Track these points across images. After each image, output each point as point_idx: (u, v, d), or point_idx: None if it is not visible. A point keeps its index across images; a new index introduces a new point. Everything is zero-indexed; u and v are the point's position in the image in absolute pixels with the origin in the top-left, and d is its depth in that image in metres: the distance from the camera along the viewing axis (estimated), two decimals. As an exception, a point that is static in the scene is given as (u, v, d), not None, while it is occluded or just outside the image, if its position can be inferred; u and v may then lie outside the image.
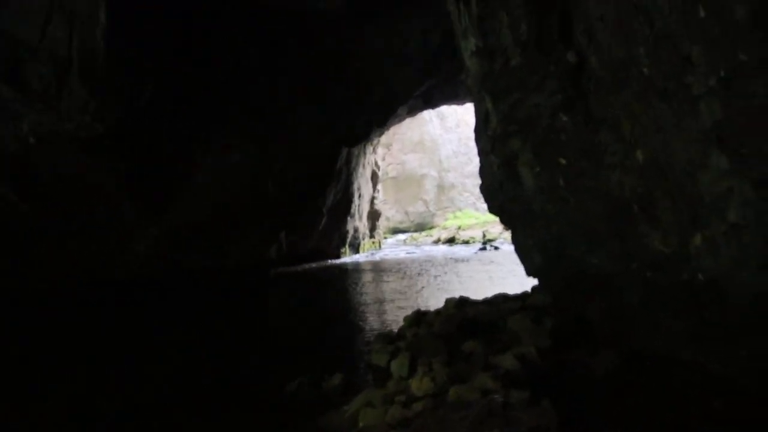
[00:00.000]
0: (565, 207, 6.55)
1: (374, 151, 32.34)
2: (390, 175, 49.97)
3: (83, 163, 13.19)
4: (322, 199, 23.74)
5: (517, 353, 6.44)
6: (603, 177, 5.78)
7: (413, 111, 27.62)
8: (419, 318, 9.22)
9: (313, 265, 24.53)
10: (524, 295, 9.88)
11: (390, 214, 48.18)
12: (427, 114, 46.55)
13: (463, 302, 9.82)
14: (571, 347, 6.85)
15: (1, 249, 13.31)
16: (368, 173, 31.14)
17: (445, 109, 48.28)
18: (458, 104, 29.98)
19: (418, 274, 19.43)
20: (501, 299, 9.91)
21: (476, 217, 45.48)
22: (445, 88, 23.64)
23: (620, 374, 6.07)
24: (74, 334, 11.74)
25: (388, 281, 17.88)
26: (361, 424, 5.60)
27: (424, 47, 18.61)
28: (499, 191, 7.95)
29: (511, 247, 9.03)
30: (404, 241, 41.38)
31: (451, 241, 37.12)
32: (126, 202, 14.54)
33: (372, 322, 11.31)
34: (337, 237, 27.24)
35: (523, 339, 7.16)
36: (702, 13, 3.89)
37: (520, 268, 8.70)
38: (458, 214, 49.76)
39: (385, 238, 39.35)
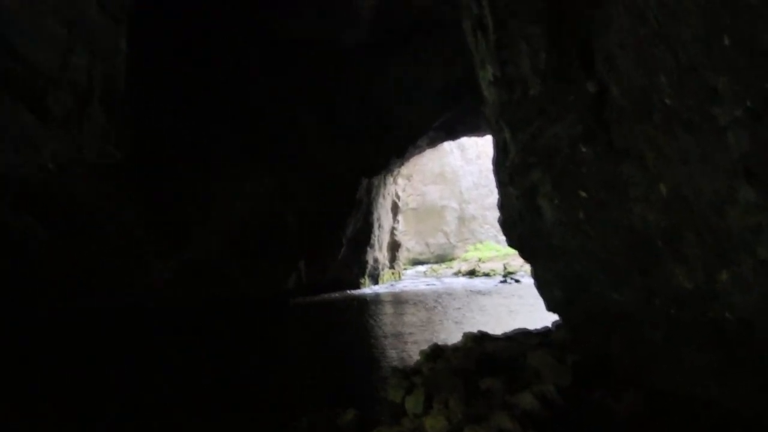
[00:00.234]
0: (586, 241, 6.36)
1: (395, 181, 32.29)
2: (410, 206, 49.80)
3: (102, 192, 13.28)
4: (341, 229, 23.66)
5: (536, 391, 6.20)
6: (625, 210, 5.60)
7: (434, 142, 27.60)
8: (437, 352, 8.99)
9: (333, 295, 24.32)
10: (546, 330, 9.65)
11: (410, 246, 47.92)
12: (448, 145, 46.53)
13: (482, 337, 9.60)
14: (592, 385, 6.62)
15: (19, 274, 13.36)
16: (389, 204, 31.06)
17: (466, 141, 48.18)
18: (479, 136, 29.90)
19: (438, 306, 19.17)
20: (521, 334, 9.68)
21: (497, 249, 45.09)
22: (466, 120, 23.59)
23: (643, 414, 5.83)
24: (87, 364, 11.66)
25: (406, 313, 17.65)
26: (373, 464, 5.41)
27: (445, 78, 18.62)
28: (519, 224, 7.79)
29: (532, 281, 8.84)
30: (424, 272, 41.03)
31: (471, 273, 36.74)
32: (143, 231, 14.58)
33: (389, 355, 11.09)
34: (357, 267, 27.08)
35: (544, 376, 6.93)
36: (727, 42, 3.75)
37: (541, 302, 8.49)
38: (479, 246, 49.38)
39: (405, 269, 39.07)
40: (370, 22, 15.64)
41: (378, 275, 29.61)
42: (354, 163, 20.53)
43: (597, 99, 5.58)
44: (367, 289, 27.51)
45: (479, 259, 41.14)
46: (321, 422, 6.70)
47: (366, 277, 28.10)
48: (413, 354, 10.46)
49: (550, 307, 8.17)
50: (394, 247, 33.23)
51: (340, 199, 21.85)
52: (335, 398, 7.63)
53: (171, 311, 16.31)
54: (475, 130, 26.26)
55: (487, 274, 35.11)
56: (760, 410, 4.72)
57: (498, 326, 11.84)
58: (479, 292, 24.07)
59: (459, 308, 18.27)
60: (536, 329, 9.86)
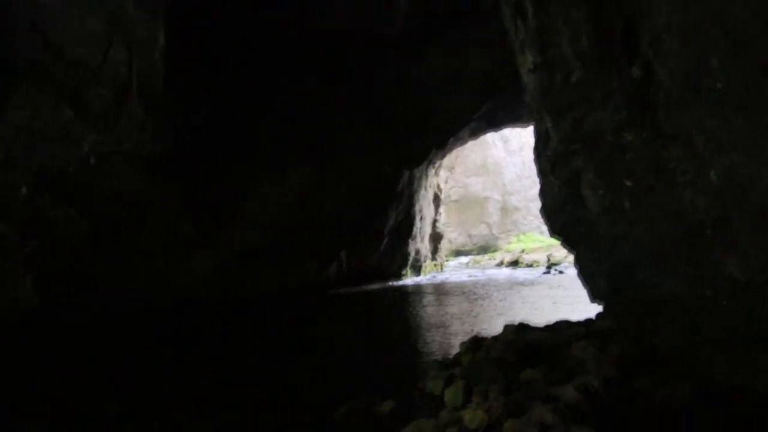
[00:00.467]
0: (631, 229, 6.17)
1: (437, 173, 32.09)
2: (453, 197, 49.54)
3: (142, 183, 13.50)
4: (383, 221, 23.64)
5: (579, 384, 6.05)
6: (673, 197, 5.40)
7: (476, 133, 27.32)
8: (477, 344, 8.85)
9: (374, 286, 24.33)
10: (588, 321, 9.42)
11: (452, 237, 47.71)
12: (490, 137, 46.11)
13: (523, 328, 9.43)
14: (637, 376, 6.42)
15: (61, 268, 13.68)
16: (430, 195, 30.91)
17: (509, 132, 47.65)
18: (521, 126, 29.47)
19: (480, 297, 19.00)
20: (564, 325, 9.47)
21: (540, 240, 44.55)
22: (506, 109, 23.24)
23: (693, 407, 5.63)
24: (131, 359, 11.91)
25: (448, 304, 17.53)
26: (409, 457, 5.36)
27: (484, 67, 18.33)
28: (561, 213, 7.61)
29: (576, 271, 8.64)
30: (467, 263, 40.78)
31: (514, 264, 36.38)
32: (183, 221, 14.76)
33: (429, 346, 11.01)
34: (399, 258, 27.05)
35: (587, 368, 6.75)
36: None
37: (585, 294, 8.30)
38: (522, 237, 48.90)
39: (448, 260, 38.88)
40: (406, 10, 15.43)
41: (420, 266, 29.54)
42: (394, 154, 20.44)
43: (642, 83, 5.38)
44: (409, 280, 27.49)
45: (522, 250, 40.69)
46: (358, 413, 6.66)
47: (408, 268, 28.05)
48: (454, 345, 10.36)
49: (594, 296, 7.98)
50: (436, 238, 33.08)
51: (381, 191, 21.80)
52: (373, 389, 7.59)
53: (211, 304, 16.49)
54: (516, 120, 25.87)
55: (530, 265, 34.72)
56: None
57: (540, 317, 11.63)
58: (522, 283, 23.79)
59: (501, 299, 18.07)
60: (579, 320, 9.64)
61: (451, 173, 48.35)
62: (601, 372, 6.42)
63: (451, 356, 8.91)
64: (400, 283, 26.13)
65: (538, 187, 8.53)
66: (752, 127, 4.22)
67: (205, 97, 13.59)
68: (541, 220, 9.16)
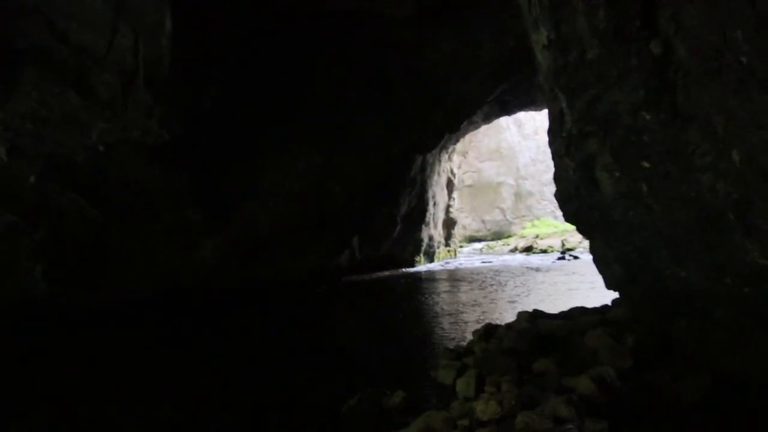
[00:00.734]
0: (649, 214, 5.93)
1: (450, 158, 31.84)
2: (466, 183, 49.26)
3: (149, 171, 13.38)
4: (395, 207, 23.47)
5: (594, 375, 5.85)
6: (692, 181, 5.16)
7: (489, 118, 27.09)
8: (489, 332, 8.66)
9: (386, 273, 24.22)
10: (603, 308, 9.21)
11: (466, 223, 47.48)
12: (504, 121, 45.73)
13: (536, 316, 9.23)
14: (653, 367, 6.23)
15: (71, 258, 13.64)
16: (443, 181, 30.68)
17: (523, 116, 47.24)
18: (535, 110, 29.25)
19: (493, 284, 18.82)
20: (578, 313, 9.27)
21: (555, 225, 44.27)
22: (520, 93, 23.00)
23: (712, 401, 5.44)
24: (136, 347, 11.88)
25: (461, 291, 17.37)
26: (419, 450, 5.20)
27: (497, 50, 18.04)
28: (575, 197, 7.37)
29: (591, 257, 8.43)
30: (480, 249, 40.62)
31: (528, 250, 36.14)
32: (191, 209, 14.65)
33: (441, 334, 10.86)
34: (412, 245, 26.89)
35: (602, 358, 6.56)
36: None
37: (600, 280, 8.09)
38: (536, 222, 48.58)
39: (461, 246, 38.69)
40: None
41: (433, 253, 29.37)
42: (406, 138, 20.20)
43: (661, 61, 5.12)
44: (422, 266, 27.34)
45: (536, 236, 40.45)
46: (367, 404, 6.52)
47: (421, 254, 27.90)
48: (466, 334, 10.21)
49: (610, 283, 7.76)
50: (450, 224, 32.89)
51: (394, 176, 21.63)
52: (384, 379, 7.45)
53: (219, 293, 16.41)
54: (530, 104, 25.63)
55: (544, 251, 34.51)
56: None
57: (555, 304, 11.46)
58: (536, 269, 23.58)
59: (515, 286, 17.89)
60: (594, 307, 9.43)
61: (465, 158, 48.00)
62: (617, 363, 6.23)
63: (463, 345, 8.75)
64: (413, 270, 25.97)
65: (552, 171, 8.30)
66: (779, 104, 3.99)
67: (213, 83, 13.43)
68: (555, 205, 8.96)
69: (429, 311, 14.07)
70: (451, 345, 9.21)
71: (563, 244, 33.69)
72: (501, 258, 32.24)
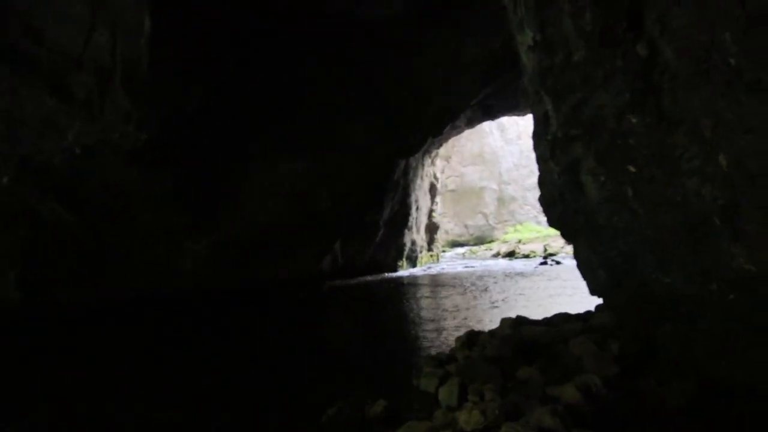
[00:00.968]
0: (634, 219, 5.86)
1: (433, 163, 31.84)
2: (449, 187, 49.41)
3: (129, 173, 13.07)
4: (378, 211, 23.36)
5: (579, 383, 5.75)
6: (678, 185, 5.08)
7: (472, 122, 27.09)
8: (472, 339, 8.53)
9: (369, 278, 24.11)
10: (587, 314, 9.14)
11: (449, 227, 47.56)
12: (487, 126, 45.84)
13: (519, 322, 9.14)
14: (639, 373, 6.17)
15: (48, 262, 13.31)
16: (426, 185, 30.64)
17: (506, 121, 47.50)
18: (519, 115, 29.34)
19: (475, 289, 18.75)
20: (562, 319, 9.19)
21: (537, 230, 44.53)
22: (503, 97, 23.02)
23: (697, 406, 5.41)
24: (118, 353, 11.64)
25: (443, 297, 17.27)
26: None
27: (481, 54, 18.02)
28: (560, 202, 7.29)
29: (574, 262, 8.35)
30: (463, 254, 40.67)
31: (510, 255, 36.25)
32: (174, 213, 14.38)
33: (423, 341, 10.72)
34: (394, 250, 26.80)
35: (587, 365, 6.47)
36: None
37: (583, 285, 8.01)
38: (519, 227, 48.83)
39: (444, 251, 38.71)
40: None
41: (416, 258, 29.31)
42: (390, 142, 20.07)
43: (647, 63, 5.04)
44: (405, 271, 27.27)
45: (519, 241, 40.61)
46: (348, 414, 6.35)
47: (404, 259, 27.82)
48: (449, 340, 10.09)
49: (594, 289, 7.69)
50: (432, 229, 32.87)
51: (376, 180, 21.47)
52: (365, 387, 7.29)
53: (201, 297, 16.15)
54: (513, 108, 25.70)
55: (526, 256, 34.61)
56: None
57: (538, 310, 11.38)
58: (519, 274, 23.56)
59: (497, 292, 17.82)
60: (577, 313, 9.36)
61: (448, 162, 48.15)
62: (602, 370, 6.13)
63: (446, 352, 8.62)
64: (396, 274, 25.88)
65: (535, 176, 8.25)
66: (765, 108, 3.92)
67: (196, 85, 13.15)
68: (538, 210, 8.92)
69: (413, 316, 13.93)
70: (434, 352, 9.07)
71: (545, 249, 33.86)
72: (483, 263, 32.26)
